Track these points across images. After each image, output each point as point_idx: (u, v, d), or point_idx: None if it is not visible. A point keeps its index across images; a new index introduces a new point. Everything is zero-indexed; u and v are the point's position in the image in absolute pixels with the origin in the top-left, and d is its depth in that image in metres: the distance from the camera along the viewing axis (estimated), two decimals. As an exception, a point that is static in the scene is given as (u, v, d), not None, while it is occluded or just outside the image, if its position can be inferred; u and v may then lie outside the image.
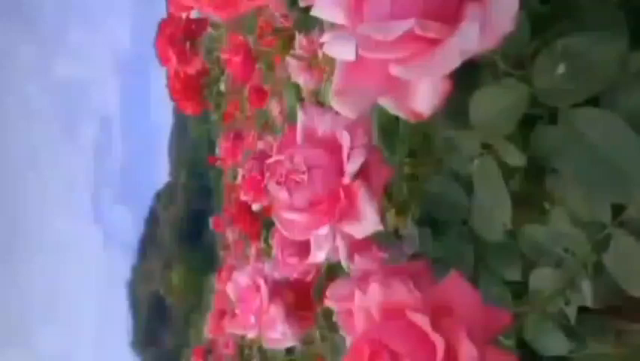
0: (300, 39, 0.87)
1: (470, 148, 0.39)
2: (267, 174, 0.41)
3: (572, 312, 0.38)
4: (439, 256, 0.51)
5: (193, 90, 0.84)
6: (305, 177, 0.37)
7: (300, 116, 0.39)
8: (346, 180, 0.36)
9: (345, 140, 0.37)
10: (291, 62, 0.85)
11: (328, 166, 0.37)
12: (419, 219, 0.52)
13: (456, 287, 0.27)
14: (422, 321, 0.26)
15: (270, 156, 0.41)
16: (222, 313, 3.17)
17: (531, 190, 0.44)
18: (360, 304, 0.29)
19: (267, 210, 1.73)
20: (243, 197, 1.08)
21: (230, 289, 0.61)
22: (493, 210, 0.40)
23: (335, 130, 0.37)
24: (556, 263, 0.42)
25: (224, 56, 0.67)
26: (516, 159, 0.36)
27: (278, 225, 0.40)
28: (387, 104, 0.29)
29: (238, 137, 1.98)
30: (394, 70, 0.25)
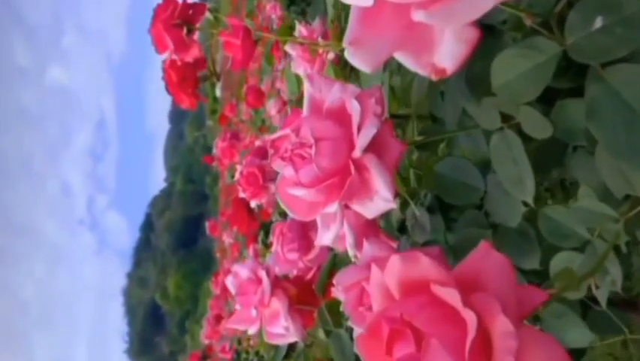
0: (299, 29, 0.85)
1: (489, 121, 0.36)
2: (271, 152, 0.38)
3: (602, 296, 0.36)
4: (452, 244, 0.48)
5: (190, 81, 0.80)
6: (312, 150, 0.34)
7: (307, 88, 0.36)
8: (357, 153, 0.33)
9: (355, 110, 0.34)
10: (292, 51, 0.82)
11: (337, 139, 0.34)
12: (430, 205, 0.49)
13: (486, 259, 0.24)
14: (451, 296, 0.23)
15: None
16: (219, 318, 3.14)
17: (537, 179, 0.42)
18: (377, 281, 0.26)
19: (265, 212, 1.70)
20: (241, 194, 1.05)
21: (230, 283, 0.58)
22: (513, 189, 0.37)
23: (344, 100, 0.34)
24: (580, 246, 0.39)
25: (222, 39, 0.64)
26: (541, 129, 0.33)
27: (282, 205, 0.37)
28: (405, 59, 0.26)
29: (235, 137, 1.96)
30: (416, 15, 0.22)
